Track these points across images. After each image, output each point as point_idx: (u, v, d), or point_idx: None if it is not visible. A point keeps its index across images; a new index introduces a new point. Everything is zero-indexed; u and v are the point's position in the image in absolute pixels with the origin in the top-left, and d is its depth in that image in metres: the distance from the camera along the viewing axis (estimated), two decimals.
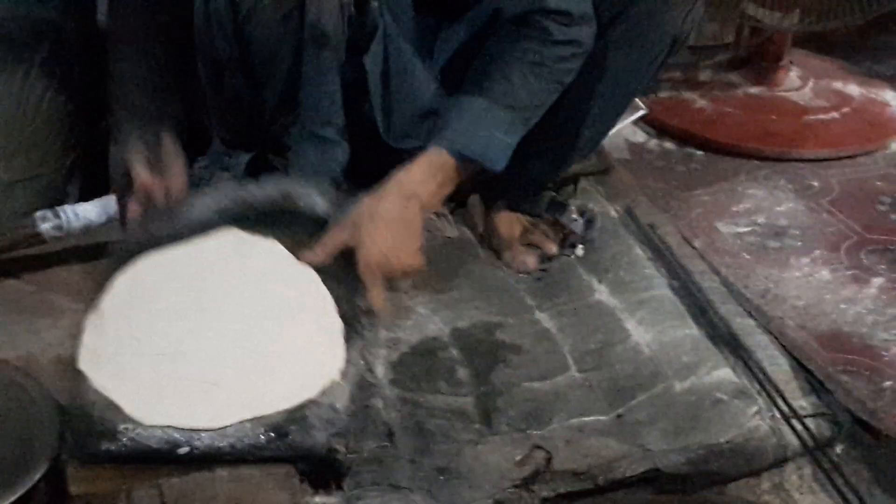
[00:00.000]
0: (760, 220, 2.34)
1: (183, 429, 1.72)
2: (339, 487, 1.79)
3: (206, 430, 1.73)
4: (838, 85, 3.00)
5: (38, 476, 1.74)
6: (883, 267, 2.32)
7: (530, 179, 2.38)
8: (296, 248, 2.02)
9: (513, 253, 2.32)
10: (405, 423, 1.88)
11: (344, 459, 1.77)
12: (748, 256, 2.28)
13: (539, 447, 1.83)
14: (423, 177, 1.99)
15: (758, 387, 2.00)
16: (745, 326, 2.12)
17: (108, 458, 1.73)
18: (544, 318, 2.15)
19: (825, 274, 2.27)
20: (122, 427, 1.72)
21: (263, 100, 2.24)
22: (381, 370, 1.98)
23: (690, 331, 2.12)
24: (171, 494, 1.74)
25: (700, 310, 2.17)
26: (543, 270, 2.30)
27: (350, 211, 2.00)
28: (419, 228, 2.01)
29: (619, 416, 1.94)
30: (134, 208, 2.04)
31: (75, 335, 1.97)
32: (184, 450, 1.71)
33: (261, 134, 2.32)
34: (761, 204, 2.35)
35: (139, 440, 1.71)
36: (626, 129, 2.86)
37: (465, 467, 1.82)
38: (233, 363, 1.82)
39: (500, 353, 2.04)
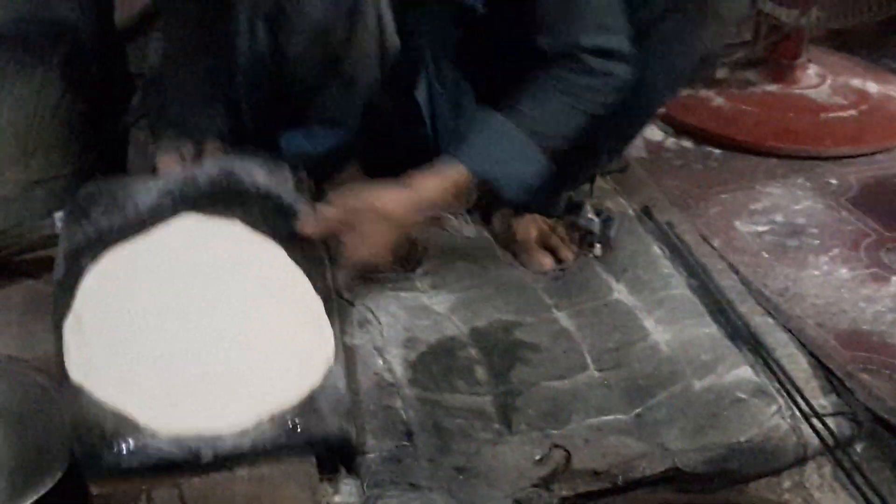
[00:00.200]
0: (779, 218, 2.34)
1: (203, 436, 1.72)
2: (350, 472, 1.82)
3: (227, 434, 1.72)
4: (856, 82, 3.00)
5: (58, 476, 1.75)
6: None
7: (552, 187, 2.38)
8: (252, 225, 2.03)
9: (529, 255, 2.32)
10: (424, 423, 1.89)
11: (355, 442, 1.80)
12: (767, 255, 2.28)
13: (558, 446, 1.84)
14: (438, 187, 2.00)
15: (777, 385, 2.00)
16: (764, 325, 2.12)
17: (131, 472, 1.73)
18: (562, 318, 2.15)
19: (844, 272, 2.27)
20: (140, 439, 1.71)
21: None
22: (399, 370, 1.99)
23: (709, 329, 2.12)
24: (192, 494, 1.75)
25: (719, 308, 2.17)
26: (562, 270, 2.30)
27: (356, 193, 2.02)
28: (410, 232, 2.08)
29: (638, 415, 1.94)
30: None
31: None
32: (207, 456, 1.71)
33: None
34: (779, 202, 2.35)
35: (162, 451, 1.71)
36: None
37: (485, 466, 1.82)
38: (230, 356, 1.82)
39: (519, 353, 2.04)
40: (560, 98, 2.01)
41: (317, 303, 1.93)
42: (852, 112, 2.88)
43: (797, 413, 1.95)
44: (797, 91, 3.09)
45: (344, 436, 1.77)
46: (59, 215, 2.18)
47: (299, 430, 1.74)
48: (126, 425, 1.72)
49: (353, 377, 1.95)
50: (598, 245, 2.32)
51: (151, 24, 2.49)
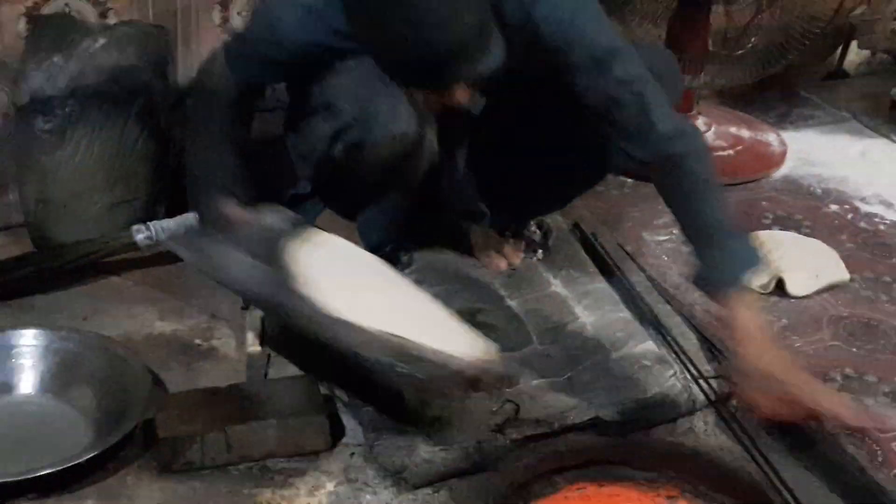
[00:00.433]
0: (675, 231, 2.34)
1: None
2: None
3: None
4: (734, 129, 3.00)
5: (134, 424, 1.76)
6: None
7: (535, 214, 2.38)
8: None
9: (489, 259, 2.32)
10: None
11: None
12: (666, 258, 2.28)
13: (510, 401, 1.85)
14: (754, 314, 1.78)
15: (673, 356, 2.02)
16: (663, 311, 2.14)
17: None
18: (514, 305, 2.16)
19: None
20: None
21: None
22: None
23: (623, 314, 2.13)
24: (235, 437, 1.76)
25: (630, 298, 2.18)
26: (513, 270, 2.29)
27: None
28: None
29: (569, 378, 1.95)
30: None
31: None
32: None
33: None
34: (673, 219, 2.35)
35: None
36: None
37: (455, 417, 1.83)
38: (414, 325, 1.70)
39: (481, 331, 2.01)
40: (707, 190, 1.83)
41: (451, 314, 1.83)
42: (730, 152, 2.89)
43: (688, 376, 1.97)
44: None
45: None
46: (135, 228, 2.20)
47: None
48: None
49: None
50: (540, 251, 2.32)
51: None
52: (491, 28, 1.63)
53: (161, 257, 2.27)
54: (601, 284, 2.22)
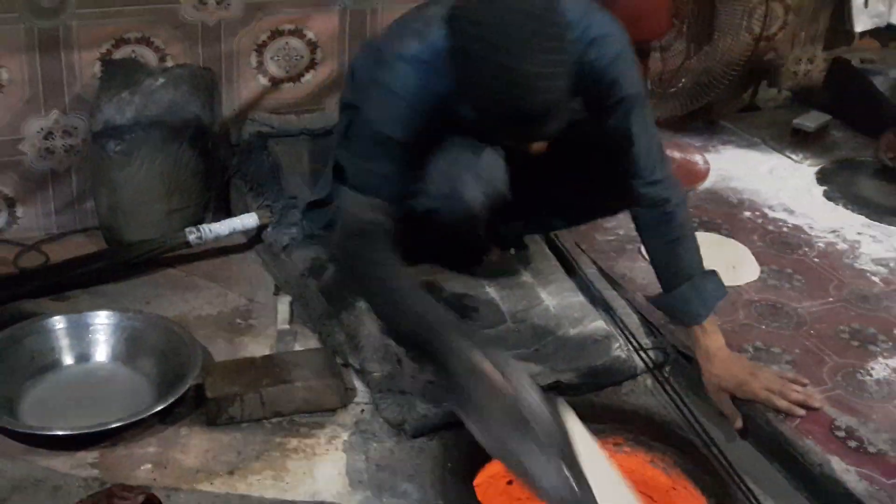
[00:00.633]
0: (621, 232, 2.34)
1: None
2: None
3: None
4: (668, 152, 2.98)
5: (188, 386, 1.77)
6: None
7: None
8: None
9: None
10: (408, 354, 1.87)
11: None
12: (614, 254, 2.28)
13: None
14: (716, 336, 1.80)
15: (619, 332, 2.02)
16: (611, 296, 2.14)
17: None
18: (491, 291, 2.14)
19: None
20: None
21: None
22: None
23: (579, 298, 2.13)
24: (268, 397, 1.76)
25: (584, 286, 2.18)
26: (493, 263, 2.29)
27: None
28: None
29: (536, 349, 1.95)
30: None
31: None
32: None
33: None
34: (621, 223, 2.34)
35: None
36: None
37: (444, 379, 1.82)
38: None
39: (466, 312, 2.03)
40: (689, 238, 1.81)
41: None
42: None
43: (631, 348, 1.97)
44: None
45: None
46: (187, 230, 2.20)
47: None
48: None
49: (368, 330, 1.92)
50: (513, 249, 2.31)
51: (243, 115, 2.48)
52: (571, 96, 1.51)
53: (208, 253, 2.28)
54: (562, 275, 2.21)
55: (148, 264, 2.20)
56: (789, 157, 2.87)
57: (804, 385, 1.80)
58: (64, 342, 1.90)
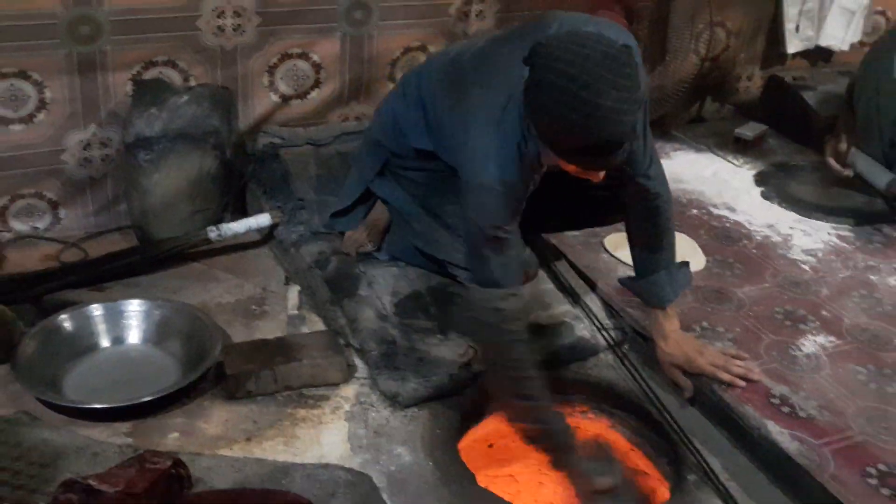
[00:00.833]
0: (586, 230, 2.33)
1: None
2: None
3: None
4: None
5: (210, 364, 1.76)
6: None
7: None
8: None
9: None
10: (401, 336, 1.87)
11: None
12: (580, 247, 2.26)
13: (471, 346, 1.84)
14: (674, 319, 1.80)
15: (584, 314, 2.01)
16: (578, 284, 2.11)
17: None
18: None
19: (619, 255, 2.28)
20: None
21: None
22: (388, 308, 1.97)
23: (549, 286, 2.11)
24: (280, 373, 1.76)
25: (554, 275, 2.16)
26: None
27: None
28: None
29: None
30: None
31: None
32: None
33: None
34: None
35: None
36: None
37: (433, 357, 1.83)
38: None
39: (452, 299, 2.01)
40: (669, 229, 1.79)
41: None
42: None
43: (594, 328, 1.97)
44: None
45: None
46: (209, 228, 2.20)
47: None
48: None
49: (366, 315, 1.92)
50: None
51: (256, 128, 2.47)
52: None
53: (227, 248, 2.27)
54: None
55: (174, 259, 2.18)
56: (731, 163, 2.87)
57: (744, 360, 1.81)
58: (101, 327, 1.89)
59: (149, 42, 2.24)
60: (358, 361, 1.87)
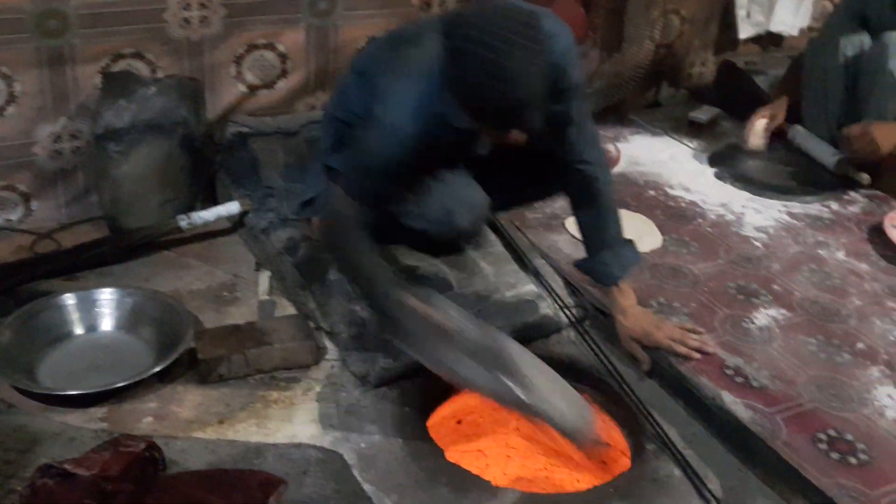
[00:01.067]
0: (548, 210, 2.34)
1: None
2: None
3: None
4: None
5: (182, 349, 1.75)
6: None
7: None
8: None
9: None
10: (371, 318, 1.85)
11: None
12: (542, 228, 2.28)
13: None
14: (629, 295, 1.83)
15: (547, 293, 2.02)
16: (540, 264, 2.12)
17: None
18: (440, 263, 2.09)
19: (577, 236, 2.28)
20: None
21: None
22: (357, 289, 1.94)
23: (513, 266, 2.11)
24: (252, 357, 1.75)
25: (517, 256, 2.16)
26: None
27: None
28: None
29: (478, 311, 1.91)
30: None
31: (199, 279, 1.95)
32: None
33: None
34: (547, 204, 2.33)
35: None
36: None
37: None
38: None
39: (422, 281, 2.00)
40: (611, 209, 1.82)
41: None
42: None
43: (556, 306, 1.97)
44: None
45: None
46: (179, 217, 2.17)
47: None
48: None
49: (336, 298, 1.90)
50: None
51: (225, 118, 2.44)
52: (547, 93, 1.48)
53: (198, 237, 2.24)
54: (499, 248, 2.20)
55: (146, 248, 2.15)
56: (686, 145, 2.89)
57: (700, 333, 1.83)
58: (74, 315, 1.86)
59: (116, 35, 2.20)
60: (328, 344, 1.86)
